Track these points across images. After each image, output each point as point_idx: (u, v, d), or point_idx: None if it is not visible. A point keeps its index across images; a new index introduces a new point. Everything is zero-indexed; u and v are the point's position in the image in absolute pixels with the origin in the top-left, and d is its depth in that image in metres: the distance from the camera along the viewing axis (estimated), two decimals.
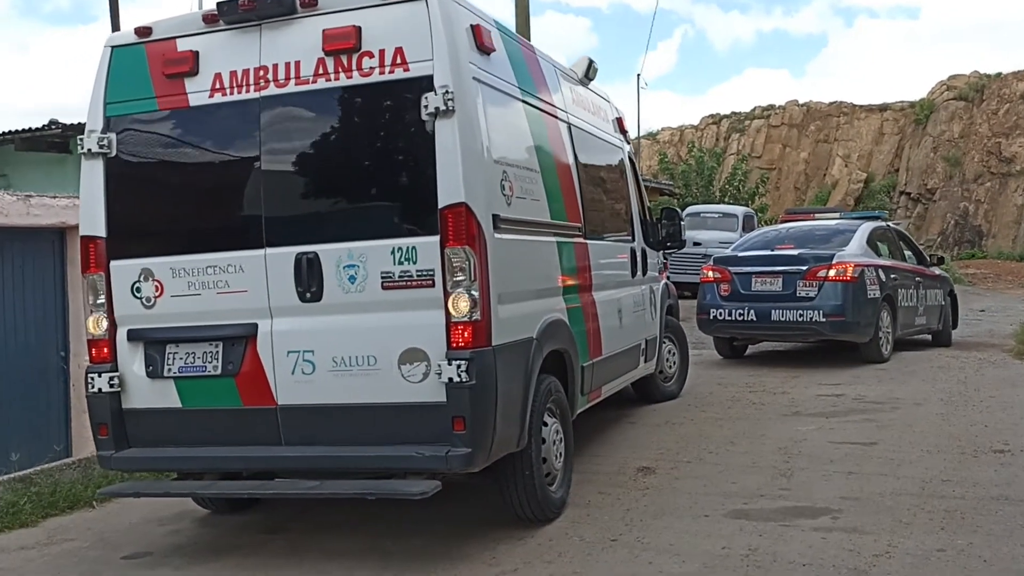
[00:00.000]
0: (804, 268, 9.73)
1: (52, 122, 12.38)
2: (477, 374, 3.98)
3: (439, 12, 4.06)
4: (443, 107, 3.99)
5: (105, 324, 4.53)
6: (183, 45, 4.43)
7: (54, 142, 12.82)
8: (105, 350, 4.52)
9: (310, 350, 4.21)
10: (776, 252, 10.25)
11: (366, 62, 4.15)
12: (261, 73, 4.29)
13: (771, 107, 50.52)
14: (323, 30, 4.20)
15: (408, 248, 4.06)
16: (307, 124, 4.34)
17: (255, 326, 4.30)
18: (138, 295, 4.48)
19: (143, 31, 4.51)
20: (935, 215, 43.29)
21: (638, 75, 37.99)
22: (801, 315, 9.63)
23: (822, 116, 49.14)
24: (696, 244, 19.65)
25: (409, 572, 4.25)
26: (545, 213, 5.04)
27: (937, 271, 12.00)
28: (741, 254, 10.59)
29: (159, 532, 5.13)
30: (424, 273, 4.04)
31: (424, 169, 4.05)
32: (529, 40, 7.96)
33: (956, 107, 44.61)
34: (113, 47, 4.59)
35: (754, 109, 51.15)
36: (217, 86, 4.35)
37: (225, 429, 4.37)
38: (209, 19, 4.38)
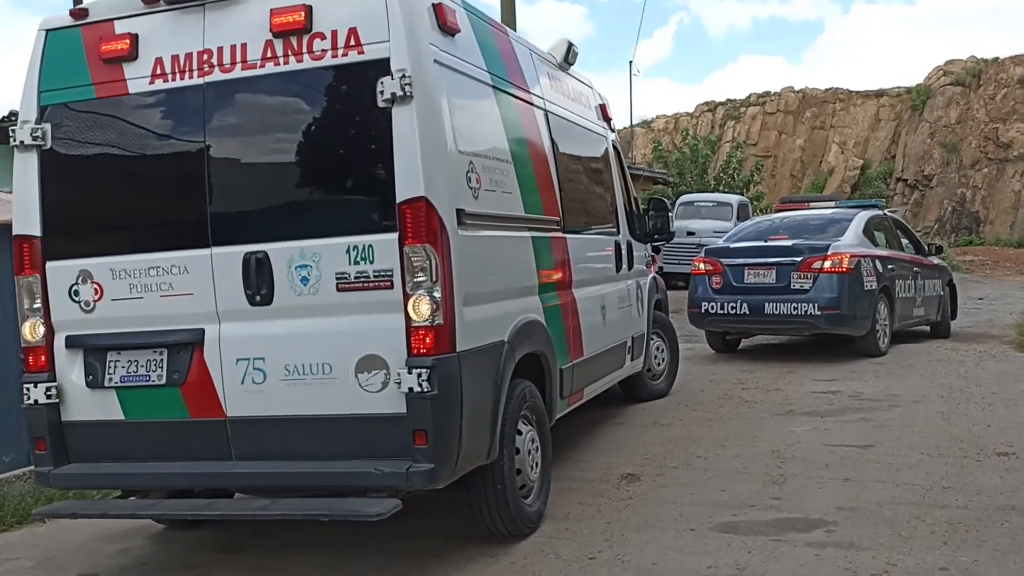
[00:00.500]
0: (798, 259, 9.40)
1: (12, 113, 11.97)
2: (440, 383, 3.66)
3: None
4: (400, 93, 3.65)
5: (41, 330, 4.17)
6: (121, 27, 4.07)
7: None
8: (42, 358, 4.16)
9: (261, 357, 3.88)
10: (769, 243, 9.92)
11: (317, 44, 3.80)
12: (205, 57, 3.93)
13: (766, 94, 50.13)
14: (270, 10, 3.85)
15: (364, 247, 3.74)
16: (255, 112, 4.01)
17: (202, 332, 3.97)
18: (76, 299, 4.12)
19: (79, 13, 4.14)
20: (932, 202, 42.98)
21: (630, 62, 37.43)
22: (795, 308, 9.30)
23: (818, 103, 48.76)
24: (690, 234, 19.35)
25: None
26: (518, 207, 4.71)
27: (935, 260, 11.69)
28: (733, 245, 10.26)
29: (108, 551, 4.81)
30: (382, 274, 3.73)
31: (381, 161, 3.72)
32: (516, 28, 7.63)
33: (953, 92, 44.25)
34: (47, 31, 4.22)
35: (749, 96, 50.76)
36: (158, 72, 4.00)
37: (171, 443, 4.03)
38: None
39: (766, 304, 9.45)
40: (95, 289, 4.09)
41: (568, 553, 4.28)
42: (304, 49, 3.81)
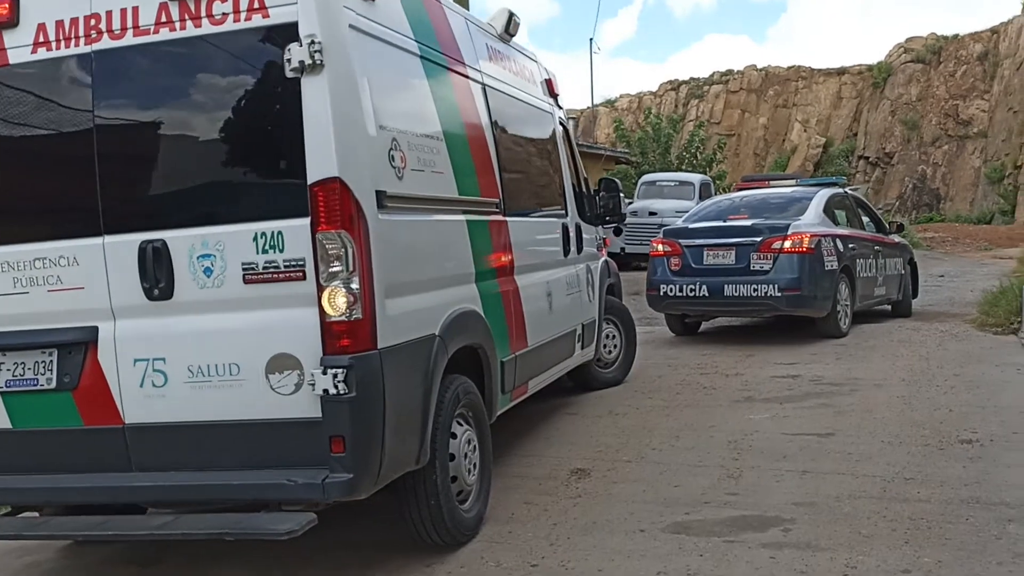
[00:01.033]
0: (758, 240, 9.16)
1: None
2: (358, 384, 3.31)
3: None
4: (309, 61, 3.28)
5: None
6: None
7: None
8: None
9: (161, 358, 3.51)
10: (729, 223, 9.66)
11: (217, 7, 3.40)
12: (93, 23, 3.51)
13: (729, 72, 50.12)
14: None
15: (273, 234, 3.38)
16: (149, 84, 3.60)
17: (95, 330, 3.58)
18: None
19: None
20: (893, 179, 43.24)
21: (590, 39, 37.05)
22: (755, 290, 9.07)
23: (780, 81, 48.83)
24: (652, 214, 19.17)
25: None
26: (451, 188, 4.36)
27: (896, 239, 11.53)
28: (692, 226, 10.00)
29: (16, 565, 4.44)
30: (293, 264, 3.37)
31: (290, 138, 3.35)
32: (468, 7, 7.22)
33: (913, 70, 44.49)
34: None
35: (712, 75, 50.72)
36: (41, 39, 3.57)
37: (64, 454, 3.63)
38: None
39: (726, 286, 9.21)
40: None
41: (509, 560, 3.99)
42: (202, 12, 3.41)
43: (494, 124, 5.04)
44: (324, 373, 3.30)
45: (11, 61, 3.62)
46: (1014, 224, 33.61)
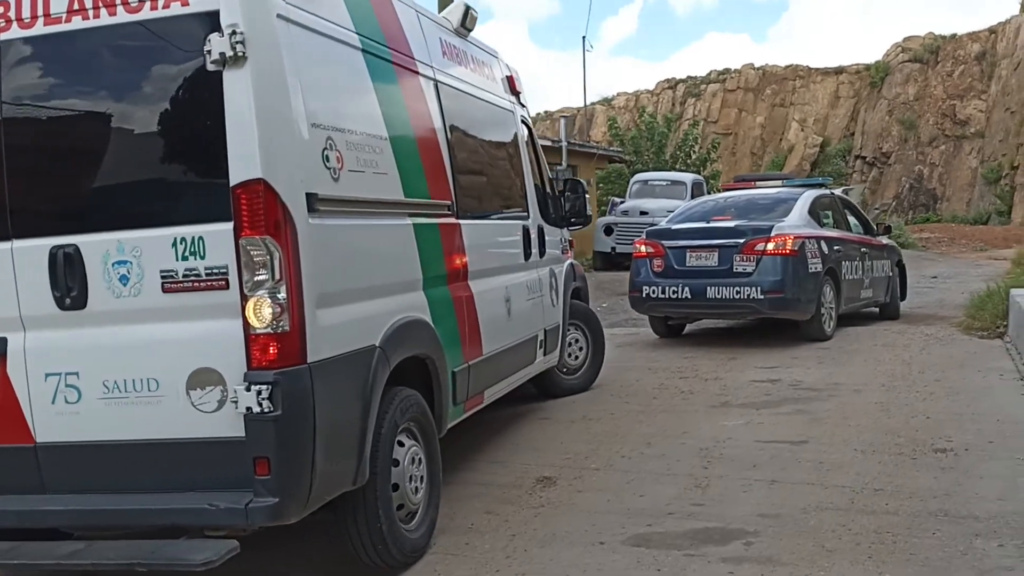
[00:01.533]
0: (741, 241, 9.05)
1: None
2: (284, 401, 3.11)
3: None
4: (231, 53, 3.08)
5: None
6: None
7: None
8: None
9: (74, 372, 3.31)
10: (712, 224, 9.55)
11: None
12: (1, 11, 3.33)
13: (727, 71, 50.03)
14: None
15: (194, 239, 3.18)
16: (61, 76, 3.39)
17: (3, 342, 3.38)
18: None
19: None
20: (890, 179, 43.15)
21: (583, 37, 37.02)
22: (738, 292, 8.96)
23: (778, 80, 48.74)
24: (643, 213, 19.08)
25: None
26: (396, 190, 4.16)
27: (884, 240, 11.42)
28: (675, 227, 9.88)
29: None
30: (215, 271, 3.18)
31: (212, 136, 3.15)
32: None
33: (911, 69, 44.40)
34: None
35: (710, 73, 50.63)
36: None
37: None
38: None
39: (708, 288, 9.10)
40: None
41: (463, 573, 3.88)
42: (118, 0, 3.22)
43: (447, 122, 4.83)
44: (248, 390, 3.10)
45: None
46: (1010, 225, 33.51)
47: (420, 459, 4.10)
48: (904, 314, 11.42)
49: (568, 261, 7.12)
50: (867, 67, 46.73)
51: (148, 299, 3.25)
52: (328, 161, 3.53)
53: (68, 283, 3.30)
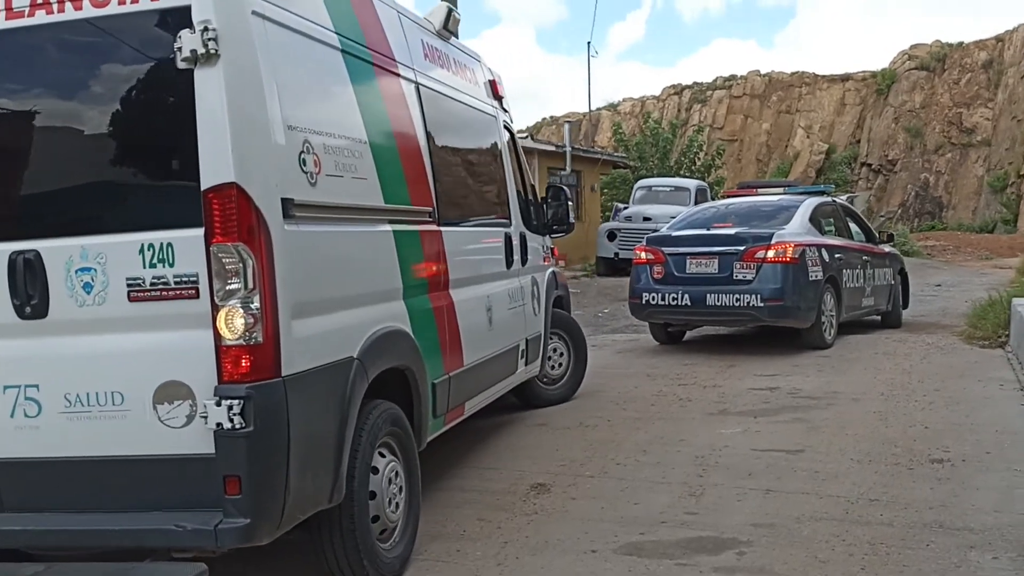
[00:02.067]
0: (741, 249, 9.03)
1: None
2: (257, 417, 2.96)
3: None
4: (203, 51, 2.94)
5: None
6: None
7: None
8: None
9: (34, 384, 3.16)
10: (712, 231, 9.53)
11: None
12: None
13: (733, 77, 50.01)
14: None
15: (162, 245, 3.04)
16: (24, 73, 3.26)
17: None
18: None
19: None
20: (896, 186, 43.05)
21: (588, 43, 36.92)
22: (738, 299, 8.94)
23: (784, 86, 48.70)
24: (646, 219, 19.09)
25: None
26: (376, 195, 4.01)
27: (887, 248, 11.38)
28: (675, 233, 9.86)
29: None
30: (184, 280, 3.03)
31: (182, 137, 3.01)
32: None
33: (917, 77, 44.33)
34: None
35: (716, 80, 50.62)
36: None
37: None
38: None
39: (708, 295, 9.08)
40: None
41: None
42: None
43: (428, 127, 4.69)
44: (218, 404, 2.94)
45: None
46: (1016, 234, 33.41)
47: (399, 474, 3.96)
48: (906, 322, 11.39)
49: (550, 269, 6.99)
50: (873, 74, 46.67)
51: (113, 308, 3.10)
52: (305, 165, 3.39)
53: (28, 291, 3.15)
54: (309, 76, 3.64)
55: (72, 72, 3.27)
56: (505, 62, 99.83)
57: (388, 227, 4.14)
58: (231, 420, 2.94)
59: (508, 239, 5.92)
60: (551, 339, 6.93)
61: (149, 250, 3.05)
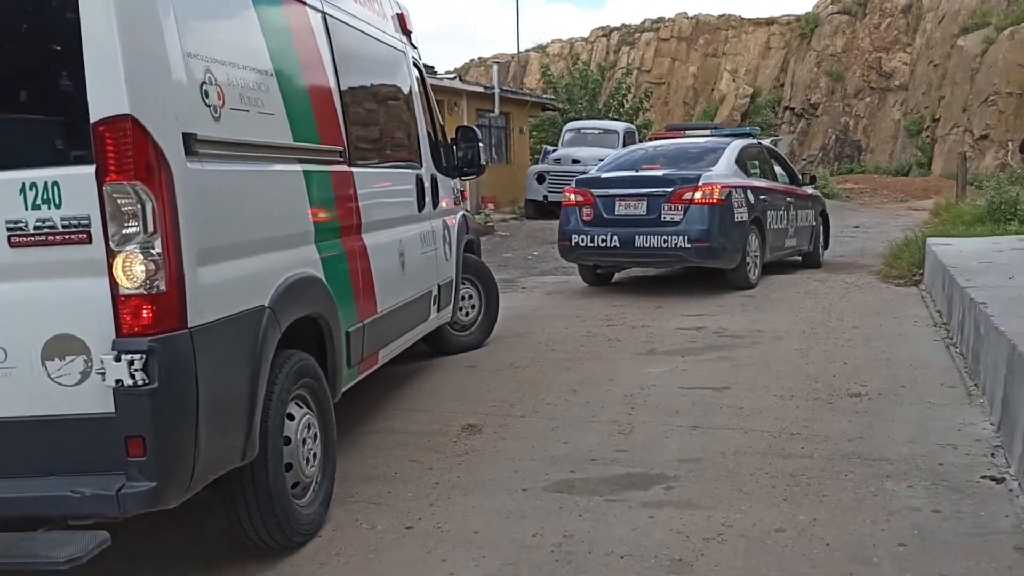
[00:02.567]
0: (669, 191, 9.09)
1: None
2: (162, 372, 2.75)
3: None
4: None
5: None
6: None
7: None
8: None
9: None
10: (641, 173, 9.57)
11: None
12: None
13: (661, 20, 49.93)
14: None
15: (48, 185, 2.75)
16: None
17: None
18: None
19: None
20: (817, 130, 43.84)
21: None
22: (666, 241, 9.03)
23: (711, 29, 48.86)
24: (575, 162, 19.09)
25: None
26: (284, 132, 3.75)
27: (809, 190, 11.61)
28: (604, 175, 9.88)
29: None
30: (74, 223, 2.76)
31: (67, 64, 2.75)
32: None
33: (840, 21, 44.91)
34: None
35: (644, 22, 50.55)
36: None
37: None
38: None
39: (637, 237, 9.15)
40: None
41: (384, 522, 3.85)
42: None
43: (337, 60, 4.42)
44: (117, 360, 2.72)
45: None
46: (930, 176, 34.42)
47: (313, 428, 3.80)
48: (826, 263, 11.70)
49: (460, 212, 6.84)
50: (798, 18, 47.12)
51: None
52: (207, 97, 3.13)
53: None
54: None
55: None
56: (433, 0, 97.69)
57: (298, 166, 3.89)
58: (132, 376, 2.73)
59: (420, 181, 5.71)
60: (462, 284, 6.80)
61: (32, 190, 2.77)
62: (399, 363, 6.32)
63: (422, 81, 6.22)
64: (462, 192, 7.02)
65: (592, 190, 9.53)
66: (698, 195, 8.99)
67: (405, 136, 5.75)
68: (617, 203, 9.31)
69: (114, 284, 2.77)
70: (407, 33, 6.09)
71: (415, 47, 6.29)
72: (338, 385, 4.19)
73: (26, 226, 2.79)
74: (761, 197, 9.78)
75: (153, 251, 2.76)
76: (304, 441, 3.70)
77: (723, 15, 49.12)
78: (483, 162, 6.67)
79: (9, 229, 2.80)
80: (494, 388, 5.94)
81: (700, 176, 9.14)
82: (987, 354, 5.14)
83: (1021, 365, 4.17)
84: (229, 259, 3.19)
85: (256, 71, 3.57)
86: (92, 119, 2.72)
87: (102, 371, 2.76)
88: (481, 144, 6.64)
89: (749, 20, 48.56)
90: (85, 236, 2.77)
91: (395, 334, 5.16)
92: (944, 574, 3.15)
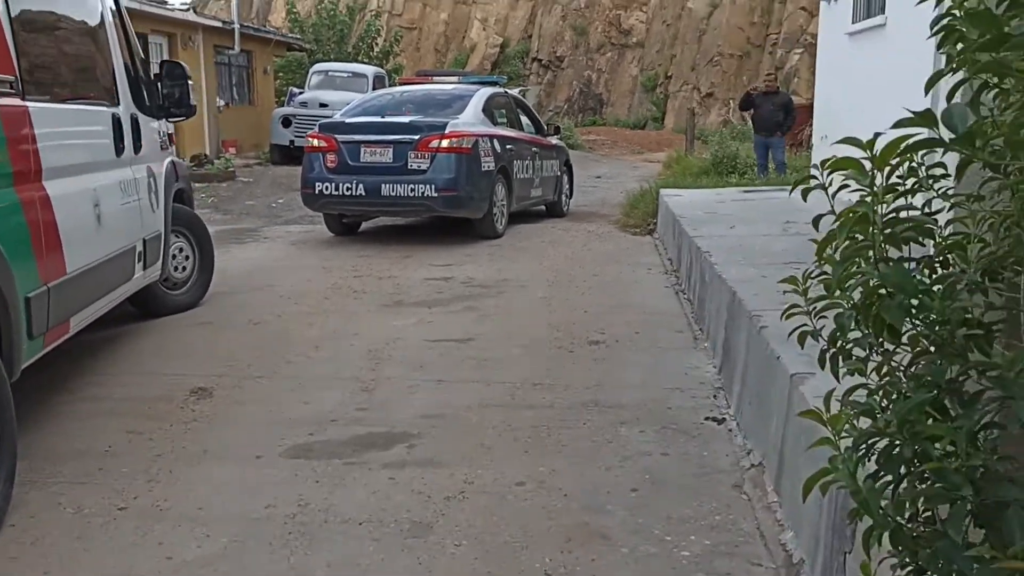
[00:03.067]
0: (416, 138, 8.90)
1: None
2: None
3: None
4: None
5: None
6: None
7: None
8: None
9: None
10: (387, 119, 9.30)
11: None
12: None
13: None
14: None
15: None
16: None
17: None
18: None
19: None
20: (563, 82, 45.30)
21: None
22: (412, 190, 8.86)
23: None
24: (322, 105, 18.41)
25: None
26: None
27: (554, 141, 11.87)
28: (349, 120, 9.51)
29: None
30: None
31: None
32: None
33: None
34: None
35: None
36: None
37: None
38: None
39: (383, 185, 8.91)
40: None
41: (93, 504, 3.42)
42: None
43: None
44: None
45: None
46: (663, 130, 36.71)
47: None
48: (570, 212, 12.06)
49: (169, 159, 6.22)
50: None
51: None
52: None
53: None
54: None
55: None
56: None
57: None
58: None
59: (116, 120, 5.10)
60: (174, 238, 6.25)
61: None
62: (117, 320, 5.74)
63: (118, 9, 5.51)
64: (170, 135, 6.33)
65: (336, 136, 9.14)
66: (445, 143, 8.87)
67: (97, 69, 5.08)
68: (363, 150, 8.99)
69: None
70: None
71: None
72: (16, 361, 3.62)
73: None
74: (508, 147, 9.84)
75: None
76: None
77: None
78: (193, 102, 6.03)
79: None
80: (229, 346, 5.53)
81: (447, 124, 9.02)
82: (711, 300, 5.45)
83: (740, 311, 4.42)
84: None
85: None
86: None
87: None
88: (191, 82, 5.99)
89: None
90: None
91: (91, 297, 4.57)
92: (672, 516, 3.26)
